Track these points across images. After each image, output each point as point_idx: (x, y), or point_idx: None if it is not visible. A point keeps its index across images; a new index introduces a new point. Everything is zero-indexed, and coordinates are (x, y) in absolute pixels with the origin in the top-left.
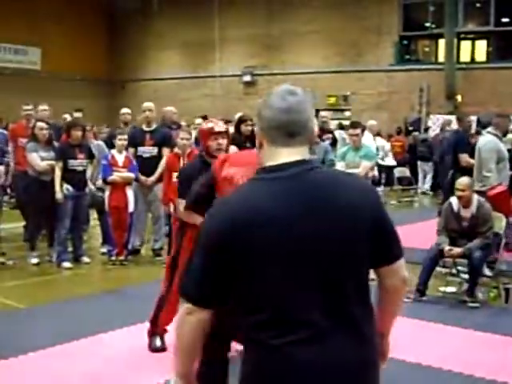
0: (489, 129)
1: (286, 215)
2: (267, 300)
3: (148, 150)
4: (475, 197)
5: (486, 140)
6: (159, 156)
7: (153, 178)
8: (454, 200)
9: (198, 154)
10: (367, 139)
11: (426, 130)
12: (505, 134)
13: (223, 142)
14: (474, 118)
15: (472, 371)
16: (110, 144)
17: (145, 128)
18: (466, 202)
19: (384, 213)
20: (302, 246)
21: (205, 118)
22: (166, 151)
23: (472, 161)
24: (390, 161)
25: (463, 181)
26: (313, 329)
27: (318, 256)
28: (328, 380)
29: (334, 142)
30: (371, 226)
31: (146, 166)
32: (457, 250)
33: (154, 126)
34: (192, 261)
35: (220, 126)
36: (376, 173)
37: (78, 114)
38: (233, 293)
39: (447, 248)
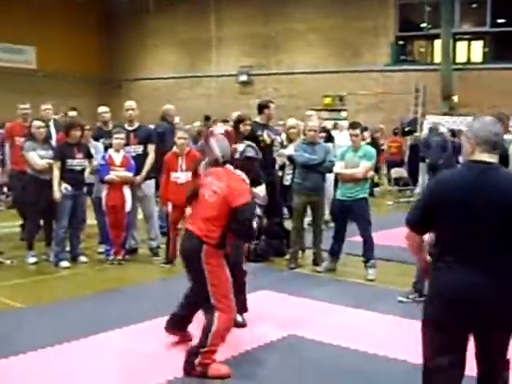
0: None
1: (467, 187)
2: (444, 237)
3: (133, 149)
4: None
5: None
6: (145, 154)
7: (142, 176)
8: None
9: None
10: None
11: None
12: None
13: None
14: None
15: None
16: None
17: (128, 127)
18: None
19: None
20: (468, 205)
21: (208, 118)
22: (151, 148)
23: None
24: None
25: None
26: (465, 260)
27: (476, 215)
28: (466, 290)
29: (329, 139)
30: None
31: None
32: None
33: (136, 125)
34: (415, 205)
35: None
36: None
37: (72, 113)
38: (431, 226)
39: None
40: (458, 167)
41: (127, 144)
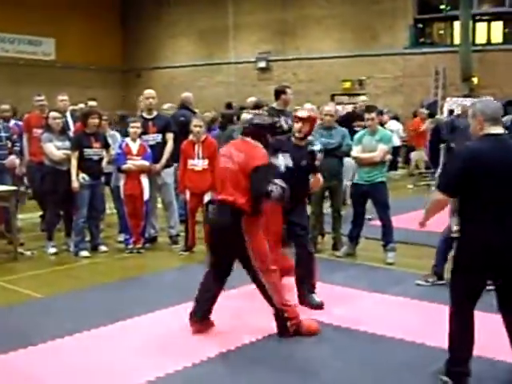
0: None
1: (490, 155)
2: (476, 194)
3: (152, 138)
4: None
5: None
6: (163, 142)
7: (160, 164)
8: None
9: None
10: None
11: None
12: None
13: (299, 126)
14: None
15: (493, 354)
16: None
17: (146, 116)
18: None
19: None
20: (495, 171)
21: (230, 105)
22: (169, 136)
23: None
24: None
25: None
26: (496, 215)
27: (501, 179)
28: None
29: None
30: None
31: (152, 153)
32: None
33: (154, 114)
34: (447, 170)
35: (302, 113)
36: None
37: (92, 103)
38: (463, 189)
39: (455, 228)
40: (480, 140)
41: (146, 133)
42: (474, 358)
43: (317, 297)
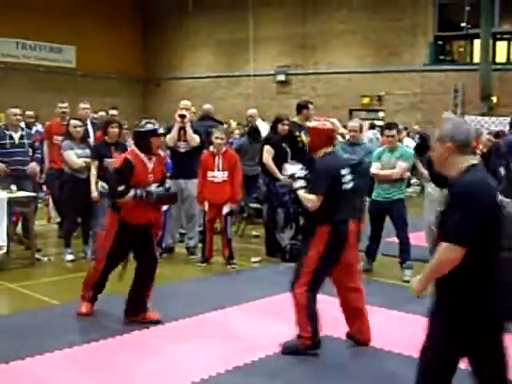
0: None
1: (495, 196)
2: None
3: (184, 145)
4: None
5: None
6: (192, 151)
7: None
8: None
9: None
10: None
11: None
12: None
13: None
14: None
15: None
16: None
17: (181, 124)
18: None
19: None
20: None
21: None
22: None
23: None
24: None
25: None
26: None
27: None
28: None
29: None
30: None
31: (181, 161)
32: None
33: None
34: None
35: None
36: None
37: (113, 112)
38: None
39: None
40: (478, 173)
41: (179, 139)
42: None
43: None
